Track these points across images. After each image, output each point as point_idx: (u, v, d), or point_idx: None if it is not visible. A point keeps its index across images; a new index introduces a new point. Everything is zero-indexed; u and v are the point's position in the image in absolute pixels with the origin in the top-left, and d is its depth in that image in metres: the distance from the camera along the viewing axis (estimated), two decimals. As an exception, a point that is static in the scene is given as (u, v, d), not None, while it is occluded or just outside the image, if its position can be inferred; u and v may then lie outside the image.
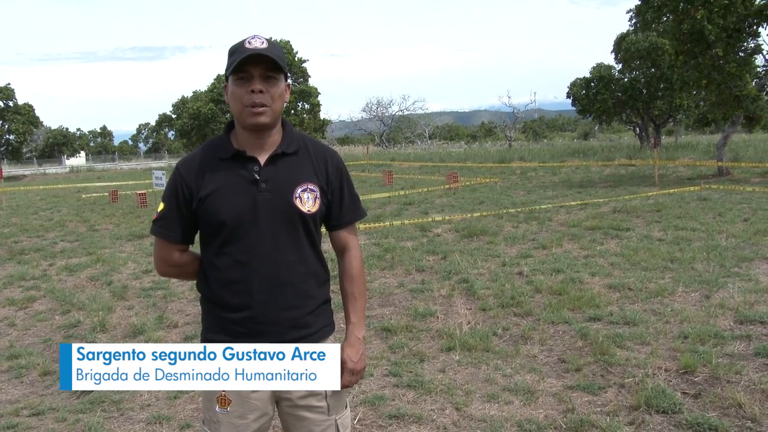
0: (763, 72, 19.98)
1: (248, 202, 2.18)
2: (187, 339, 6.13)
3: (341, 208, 2.36)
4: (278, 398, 2.31)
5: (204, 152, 2.27)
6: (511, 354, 5.30)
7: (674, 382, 4.60)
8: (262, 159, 2.22)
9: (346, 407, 2.42)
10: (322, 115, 54.94)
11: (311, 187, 2.26)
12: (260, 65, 2.14)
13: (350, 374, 2.32)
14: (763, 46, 19.64)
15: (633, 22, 22.23)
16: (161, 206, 2.27)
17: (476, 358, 5.23)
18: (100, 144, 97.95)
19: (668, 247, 8.90)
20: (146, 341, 6.08)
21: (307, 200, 2.24)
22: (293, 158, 2.27)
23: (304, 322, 2.28)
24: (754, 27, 19.24)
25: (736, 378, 4.56)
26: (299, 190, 2.23)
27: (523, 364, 5.09)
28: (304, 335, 2.27)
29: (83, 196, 24.74)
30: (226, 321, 2.24)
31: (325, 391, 2.31)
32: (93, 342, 6.17)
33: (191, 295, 7.51)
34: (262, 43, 2.15)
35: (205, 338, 2.30)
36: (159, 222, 2.28)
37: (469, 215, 12.53)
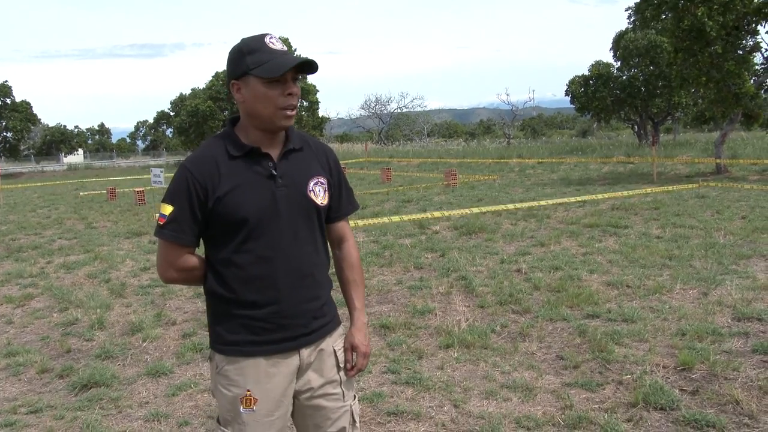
0: (761, 70, 20.00)
1: (268, 198, 2.20)
2: (185, 336, 6.12)
3: (340, 200, 2.43)
4: (296, 392, 2.32)
5: (213, 150, 2.24)
6: (509, 351, 5.30)
7: (672, 378, 4.60)
8: (274, 155, 2.24)
9: (355, 395, 2.47)
10: (321, 113, 54.93)
11: (321, 180, 2.32)
12: (292, 69, 2.16)
13: (363, 357, 2.42)
14: (761, 44, 19.67)
15: (632, 19, 22.23)
16: (169, 209, 2.20)
17: (474, 356, 5.23)
18: (98, 141, 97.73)
19: (666, 245, 8.91)
20: (144, 339, 6.08)
21: (319, 193, 2.30)
22: (300, 154, 2.31)
23: (321, 312, 2.34)
24: (753, 25, 19.26)
25: (734, 374, 4.56)
26: (312, 184, 2.29)
27: (521, 361, 5.09)
28: (323, 324, 2.34)
29: (81, 193, 24.74)
30: (250, 319, 2.22)
31: (339, 377, 2.37)
32: (90, 339, 6.18)
33: (189, 293, 7.50)
34: (282, 44, 2.19)
35: (224, 341, 2.26)
36: (170, 225, 2.20)
37: (467, 211, 12.52)
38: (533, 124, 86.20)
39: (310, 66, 2.19)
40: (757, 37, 19.57)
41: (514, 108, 60.27)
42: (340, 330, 2.44)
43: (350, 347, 2.41)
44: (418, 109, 70.95)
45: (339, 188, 2.41)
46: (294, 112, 2.21)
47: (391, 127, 70.80)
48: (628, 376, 4.65)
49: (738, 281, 6.87)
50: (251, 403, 2.22)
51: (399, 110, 69.11)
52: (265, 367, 2.23)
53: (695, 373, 4.65)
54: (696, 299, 6.38)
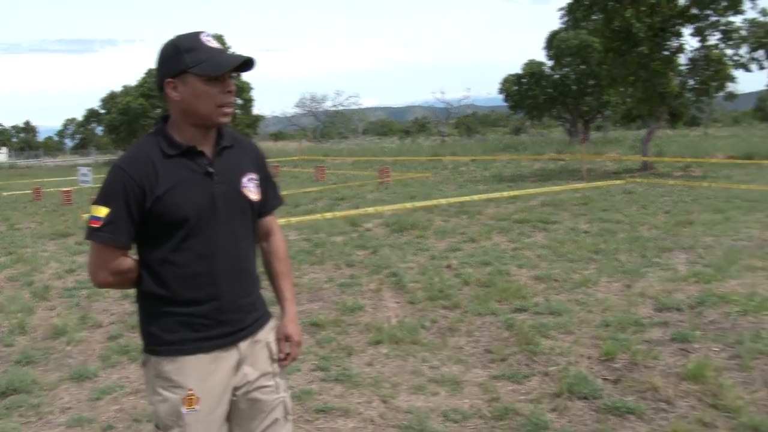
0: (685, 70, 20.65)
1: (206, 195, 2.20)
2: (111, 339, 5.98)
3: (268, 195, 2.44)
4: (234, 387, 2.31)
5: (147, 150, 2.21)
6: (438, 346, 5.35)
7: (596, 369, 4.71)
8: (208, 153, 2.25)
9: (287, 387, 2.50)
10: (255, 111, 54.40)
11: (252, 176, 2.34)
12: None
13: (296, 347, 2.48)
14: (685, 46, 20.33)
15: (564, 20, 22.65)
16: (104, 211, 2.15)
17: (404, 351, 5.25)
18: (24, 140, 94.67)
19: (593, 239, 9.12)
20: (68, 343, 5.92)
21: (252, 189, 2.32)
22: (232, 151, 2.32)
23: (254, 306, 2.37)
24: (678, 27, 19.89)
25: (654, 363, 4.70)
26: (244, 180, 2.31)
27: (449, 355, 5.14)
28: (257, 318, 2.36)
29: (4, 194, 23.94)
30: (189, 316, 2.21)
31: (273, 369, 2.39)
32: (10, 345, 5.98)
33: (117, 294, 7.32)
34: (216, 42, 2.21)
35: (162, 341, 2.23)
36: (107, 227, 2.15)
37: (402, 206, 12.57)
38: (468, 122, 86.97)
39: (249, 64, 2.22)
40: (681, 38, 20.24)
41: (449, 106, 60.81)
42: (272, 323, 2.46)
43: (284, 337, 2.45)
44: (354, 107, 70.96)
45: (266, 183, 2.44)
46: (231, 109, 2.24)
47: (327, 125, 70.62)
48: (554, 368, 4.74)
49: (660, 273, 7.08)
50: (193, 403, 2.19)
51: (334, 108, 68.98)
52: (207, 363, 2.22)
53: (617, 362, 4.77)
54: (620, 291, 6.55)
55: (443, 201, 12.92)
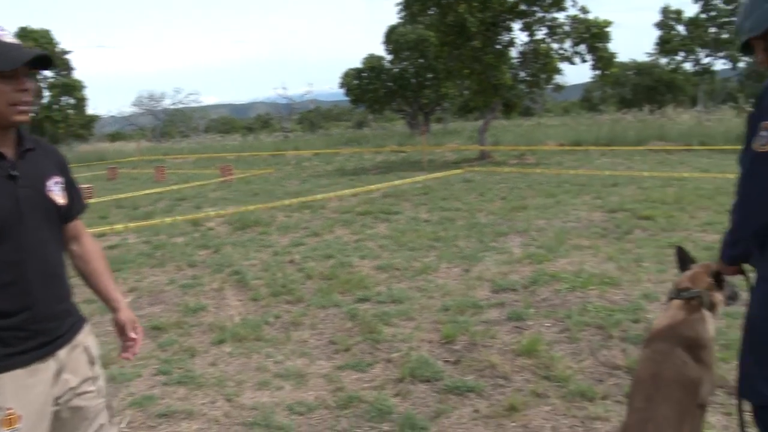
0: (517, 63, 21.62)
1: (11, 199, 2.07)
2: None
3: (73, 199, 2.37)
4: (55, 397, 2.19)
5: None
6: (282, 341, 5.31)
7: (437, 352, 4.85)
8: (8, 155, 2.11)
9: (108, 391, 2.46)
10: (90, 111, 51.75)
11: (58, 180, 2.25)
12: (26, 63, 2.07)
13: (141, 333, 2.54)
14: (516, 40, 21.29)
15: (402, 14, 23.11)
16: None
17: (248, 348, 5.18)
18: None
19: (433, 228, 9.37)
20: None
21: (59, 193, 2.23)
22: (34, 153, 2.21)
23: (69, 311, 2.30)
24: (508, 22, 20.80)
25: (491, 342, 4.92)
26: (50, 184, 2.21)
27: (294, 349, 5.12)
28: (73, 322, 2.30)
29: None
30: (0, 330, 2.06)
31: (93, 374, 2.34)
32: None
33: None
34: (13, 37, 2.08)
35: None
36: None
37: (243, 208, 12.38)
38: (311, 117, 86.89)
39: (46, 60, 2.11)
40: (512, 33, 21.19)
41: (291, 101, 60.49)
42: (88, 327, 2.39)
43: (130, 323, 2.48)
44: (194, 104, 69.17)
45: (71, 188, 2.37)
46: (29, 108, 2.12)
47: (166, 124, 68.40)
48: (396, 354, 4.84)
49: (496, 257, 7.39)
50: (14, 422, 2.04)
51: (173, 106, 66.89)
52: (24, 378, 2.08)
53: (457, 344, 4.94)
54: (459, 276, 6.77)
55: (286, 202, 12.87)
